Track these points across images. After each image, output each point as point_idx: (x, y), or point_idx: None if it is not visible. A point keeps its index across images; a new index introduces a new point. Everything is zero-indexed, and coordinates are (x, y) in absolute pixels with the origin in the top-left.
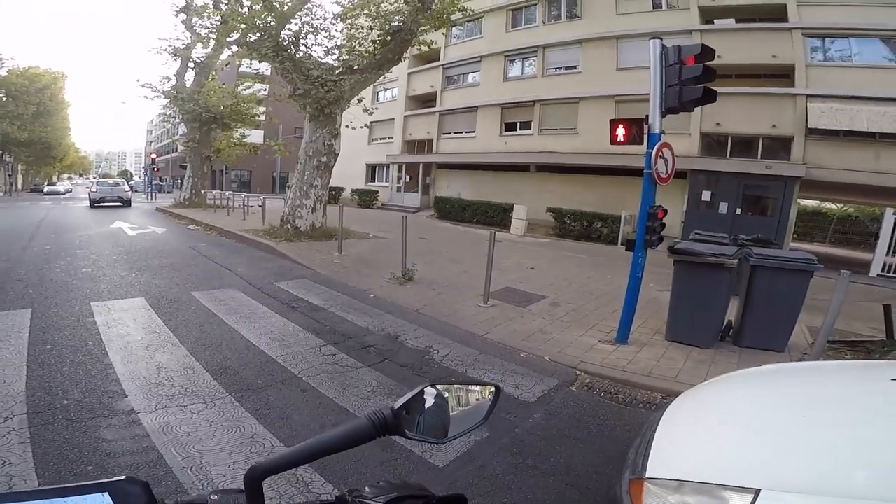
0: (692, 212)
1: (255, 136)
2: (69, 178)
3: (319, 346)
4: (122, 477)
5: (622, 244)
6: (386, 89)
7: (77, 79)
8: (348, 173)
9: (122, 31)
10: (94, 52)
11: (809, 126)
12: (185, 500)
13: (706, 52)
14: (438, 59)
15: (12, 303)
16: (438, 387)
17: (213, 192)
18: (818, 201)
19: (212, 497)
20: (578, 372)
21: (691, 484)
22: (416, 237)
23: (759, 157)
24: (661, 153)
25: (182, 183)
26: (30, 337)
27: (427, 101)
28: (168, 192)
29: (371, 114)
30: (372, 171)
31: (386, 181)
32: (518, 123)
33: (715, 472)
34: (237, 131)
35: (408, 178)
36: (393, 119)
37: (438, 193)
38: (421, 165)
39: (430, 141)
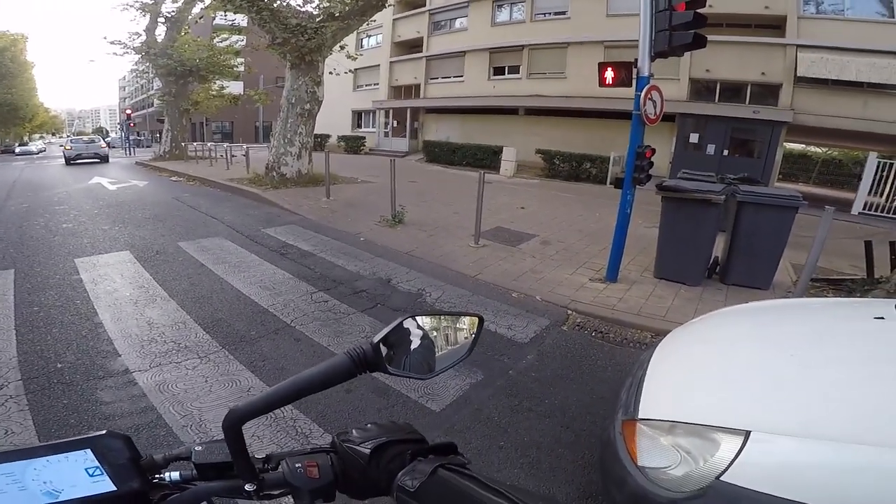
0: (680, 153)
1: (235, 87)
2: (41, 137)
3: (311, 293)
4: (103, 432)
5: (611, 183)
6: (370, 36)
7: (41, 39)
8: (334, 120)
9: None
10: (57, 11)
11: (798, 74)
12: (174, 454)
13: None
14: (424, 5)
15: None
16: (419, 318)
17: (194, 144)
18: (804, 145)
19: (196, 448)
20: (569, 311)
21: (683, 425)
22: (405, 181)
23: (747, 102)
24: (649, 95)
25: (161, 137)
26: (15, 299)
27: (413, 46)
28: (147, 147)
29: (355, 60)
30: (358, 117)
31: (373, 127)
32: (506, 68)
33: (706, 413)
34: (215, 83)
35: (395, 123)
36: (378, 65)
37: (427, 138)
38: (408, 111)
39: (418, 86)
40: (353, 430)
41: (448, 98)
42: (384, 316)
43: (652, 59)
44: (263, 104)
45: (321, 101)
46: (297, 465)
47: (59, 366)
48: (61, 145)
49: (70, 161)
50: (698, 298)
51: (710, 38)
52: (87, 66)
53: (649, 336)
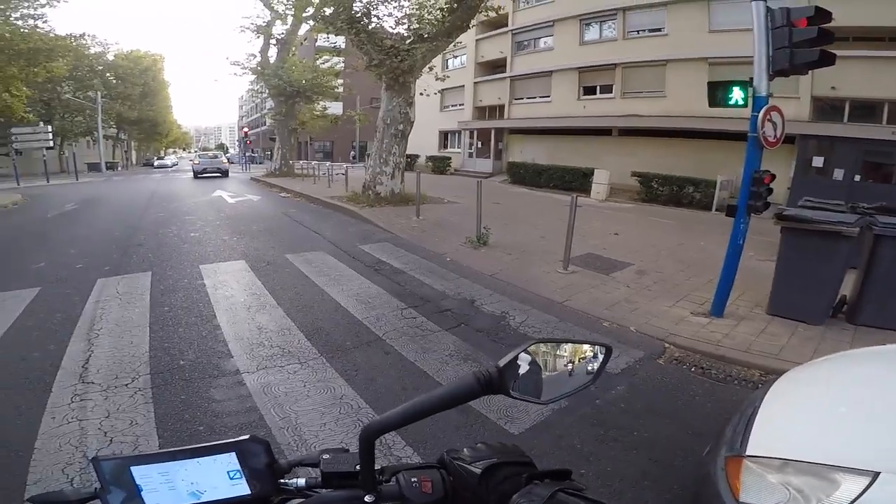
0: (800, 178)
1: (335, 108)
2: (174, 152)
3: (401, 308)
4: (247, 437)
5: (718, 210)
6: (455, 56)
7: (172, 60)
8: (422, 141)
9: (212, 11)
10: (186, 33)
11: None
12: (298, 460)
13: (821, 15)
14: (507, 25)
15: (135, 266)
16: (544, 346)
17: (300, 161)
18: None
19: (324, 457)
20: (667, 344)
21: (797, 464)
22: (489, 202)
23: (884, 122)
24: (768, 116)
25: (272, 154)
26: (151, 299)
27: (497, 66)
28: (260, 163)
29: (443, 81)
30: (445, 137)
31: (458, 147)
32: (598, 87)
33: (825, 452)
34: (319, 104)
35: (479, 143)
36: (463, 86)
37: (511, 159)
38: (493, 131)
39: (502, 107)
40: (465, 449)
41: (533, 118)
42: (467, 336)
43: (771, 78)
44: (362, 124)
45: (413, 122)
46: (412, 480)
47: (181, 363)
48: (190, 160)
49: (197, 175)
50: (819, 338)
51: (837, 53)
52: (211, 86)
53: (758, 375)
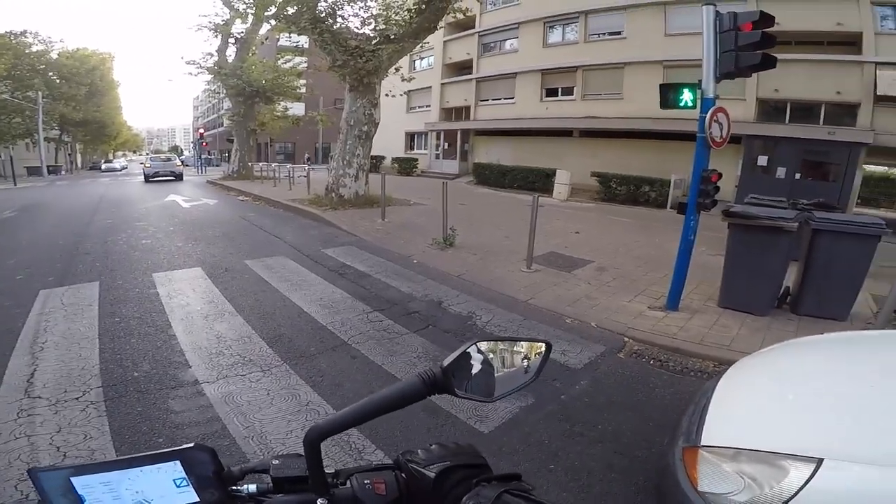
0: (747, 176)
1: (297, 109)
2: (124, 155)
3: (367, 312)
4: (191, 444)
5: (672, 208)
6: (422, 58)
7: (123, 59)
8: (388, 142)
9: (164, 9)
10: (137, 32)
11: (879, 93)
12: (250, 467)
13: (765, 19)
14: (474, 27)
15: (82, 276)
16: (486, 344)
17: (260, 164)
18: (886, 167)
19: (273, 462)
20: (626, 339)
21: (749, 452)
22: (455, 203)
23: (821, 122)
24: (715, 117)
25: (230, 156)
26: (99, 310)
27: (464, 68)
28: (216, 166)
29: (409, 82)
30: (411, 139)
31: (425, 149)
32: (560, 89)
33: (774, 440)
34: (279, 104)
35: (446, 145)
36: (430, 87)
37: (477, 160)
38: (459, 132)
39: (468, 108)
40: (419, 451)
41: (498, 120)
42: (435, 337)
43: (717, 80)
44: (325, 126)
45: (378, 124)
46: (365, 482)
47: (135, 374)
48: (141, 163)
49: (149, 178)
50: (766, 328)
51: (779, 56)
52: (165, 86)
53: (712, 366)
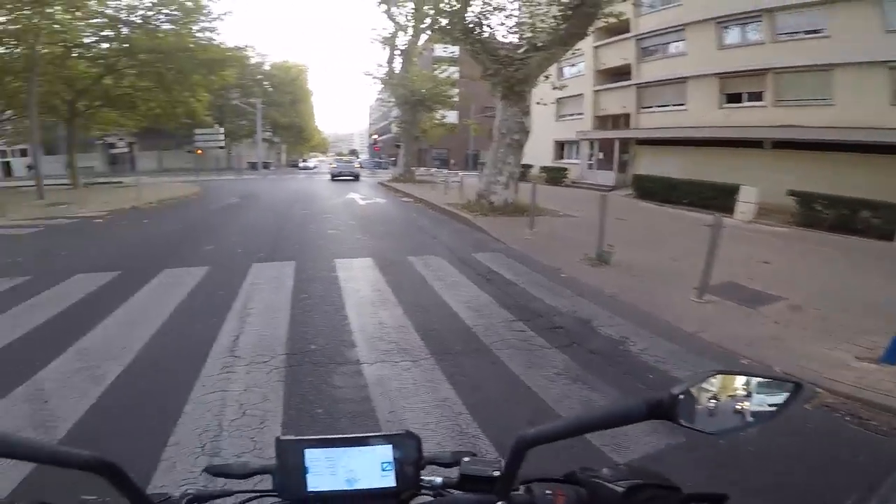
0: None
1: (452, 117)
2: (314, 156)
3: (510, 320)
4: (404, 431)
5: None
6: (573, 65)
7: (313, 70)
8: (536, 150)
9: (345, 24)
10: (323, 46)
11: None
12: (434, 457)
13: None
14: (629, 31)
15: (283, 255)
16: (726, 377)
17: (420, 168)
18: None
19: (465, 459)
20: (819, 389)
21: None
22: (612, 217)
23: None
24: None
25: (396, 160)
26: (293, 286)
27: (619, 74)
28: (385, 168)
29: (561, 90)
30: (560, 147)
31: (575, 158)
32: (744, 94)
33: None
34: (437, 112)
35: (601, 154)
36: (581, 94)
37: (638, 171)
38: (616, 142)
39: (627, 115)
40: (603, 469)
41: (665, 128)
42: (579, 356)
43: None
44: (476, 133)
45: (529, 132)
46: (547, 492)
47: (312, 347)
48: (328, 163)
49: (334, 177)
50: None
51: None
52: (345, 95)
53: None
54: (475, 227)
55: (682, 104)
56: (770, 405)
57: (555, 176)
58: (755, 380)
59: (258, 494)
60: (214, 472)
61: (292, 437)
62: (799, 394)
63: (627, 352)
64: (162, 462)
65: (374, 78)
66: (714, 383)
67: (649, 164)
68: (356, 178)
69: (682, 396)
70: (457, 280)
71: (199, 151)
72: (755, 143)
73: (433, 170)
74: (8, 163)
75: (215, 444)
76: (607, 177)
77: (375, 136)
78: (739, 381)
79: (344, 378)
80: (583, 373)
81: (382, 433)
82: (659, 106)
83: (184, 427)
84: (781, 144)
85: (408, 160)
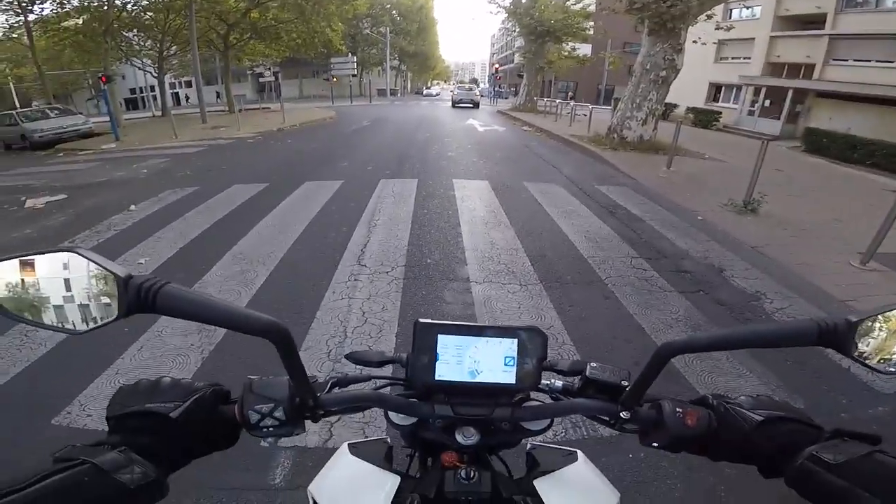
0: None
1: (584, 49)
2: (437, 84)
3: (631, 257)
4: (532, 325)
5: None
6: (747, 7)
7: None
8: (683, 90)
9: None
10: None
11: None
12: (554, 363)
13: None
14: None
15: (407, 173)
16: None
17: (544, 99)
18: None
19: (591, 364)
20: None
21: None
22: (770, 167)
23: None
24: None
25: (517, 90)
26: (415, 202)
27: (808, 22)
28: (505, 98)
29: (728, 31)
30: (716, 90)
31: (734, 103)
32: None
33: None
34: (567, 44)
35: (768, 102)
36: (752, 38)
37: (813, 125)
38: (790, 91)
39: (810, 66)
40: (741, 397)
41: (860, 84)
42: (704, 305)
43: None
44: (615, 68)
45: (678, 70)
46: (677, 410)
47: (428, 261)
48: (450, 90)
49: (455, 104)
50: None
51: None
52: (468, 24)
53: None
54: (602, 161)
55: (890, 61)
56: None
57: (704, 118)
58: None
59: (392, 381)
60: (354, 359)
61: (429, 321)
62: None
63: (761, 308)
64: None
65: (499, 7)
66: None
67: (827, 119)
68: (476, 105)
69: (860, 326)
70: (575, 210)
71: (335, 79)
72: None
73: (557, 101)
74: (177, 93)
75: (340, 349)
76: (772, 126)
77: (496, 66)
78: None
79: (454, 294)
80: (705, 323)
81: (511, 325)
82: (857, 60)
83: (315, 332)
84: None
85: (530, 90)
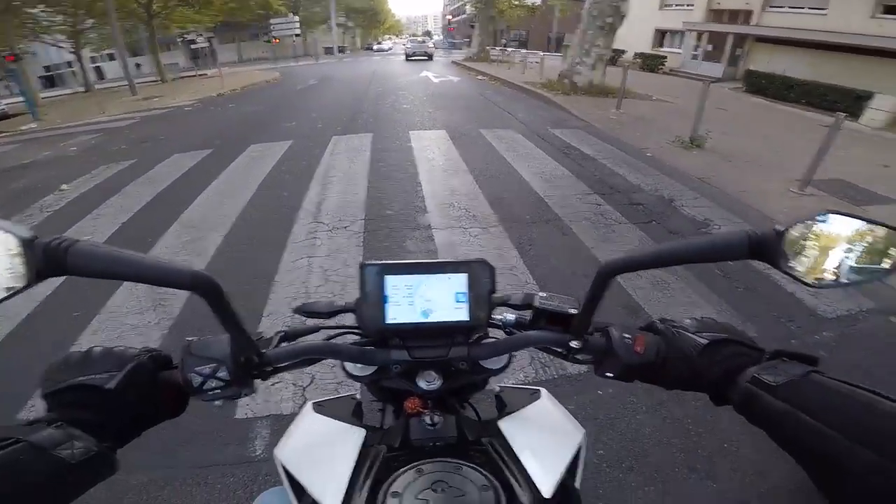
0: None
1: None
2: (389, 38)
3: (586, 193)
4: (480, 258)
5: None
6: None
7: None
8: (630, 36)
9: None
10: None
11: None
12: (507, 298)
13: None
14: None
15: (360, 128)
16: (839, 220)
17: (496, 49)
18: None
19: (541, 294)
20: None
21: None
22: (713, 107)
23: None
24: None
25: (471, 41)
26: (371, 155)
27: None
28: (459, 49)
29: None
30: (661, 36)
31: (678, 48)
32: None
33: None
34: None
35: (710, 47)
36: None
37: (752, 67)
38: (730, 36)
39: (748, 12)
40: (686, 320)
41: (795, 30)
42: (657, 234)
43: None
44: (564, 15)
45: (624, 17)
46: (625, 336)
47: (388, 212)
48: (402, 45)
49: (408, 57)
50: None
51: None
52: None
53: None
54: (554, 105)
55: (822, 8)
56: (888, 259)
57: (651, 63)
58: (875, 227)
59: (343, 330)
60: (303, 311)
61: (375, 262)
62: None
63: (710, 235)
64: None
65: None
66: (824, 227)
67: (766, 62)
68: (430, 57)
69: (787, 235)
70: (531, 153)
71: (276, 40)
72: None
73: (510, 50)
74: (99, 67)
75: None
76: (714, 69)
77: (449, 17)
78: (853, 226)
79: (416, 243)
80: None
81: (459, 260)
82: (792, 7)
83: (276, 297)
84: None
85: (483, 40)
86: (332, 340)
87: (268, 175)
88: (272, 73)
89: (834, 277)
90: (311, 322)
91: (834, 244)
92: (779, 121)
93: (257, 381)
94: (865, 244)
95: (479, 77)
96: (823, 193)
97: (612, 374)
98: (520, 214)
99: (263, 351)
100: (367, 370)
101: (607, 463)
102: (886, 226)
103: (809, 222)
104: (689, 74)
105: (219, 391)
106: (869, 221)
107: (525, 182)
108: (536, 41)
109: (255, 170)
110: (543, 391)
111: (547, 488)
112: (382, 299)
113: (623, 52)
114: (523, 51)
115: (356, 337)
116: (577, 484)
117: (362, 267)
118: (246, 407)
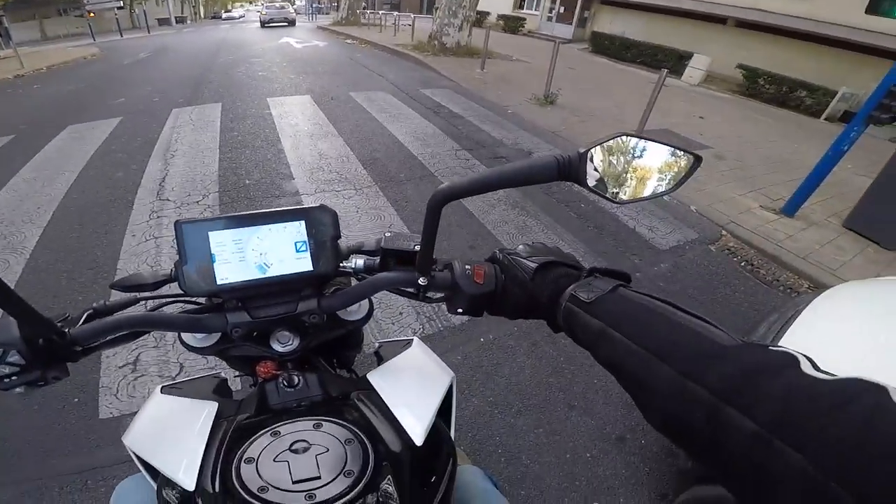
0: None
1: None
2: (241, 5)
3: (455, 149)
4: (317, 205)
5: (827, 119)
6: None
7: None
8: None
9: None
10: None
11: None
12: (359, 246)
13: None
14: None
15: (207, 99)
16: (633, 141)
17: (367, 12)
18: None
19: (385, 233)
20: (724, 232)
21: None
22: (564, 66)
23: None
24: None
25: (339, 4)
26: (221, 125)
27: None
28: (326, 14)
29: None
30: None
31: (535, 10)
32: None
33: (845, 370)
34: None
35: (562, 9)
36: None
37: (598, 29)
38: None
39: None
40: (520, 246)
41: None
42: None
43: None
44: None
45: None
46: (466, 268)
47: (247, 182)
48: (258, 11)
49: (264, 24)
50: (888, 263)
51: None
52: None
53: (806, 285)
54: (424, 66)
55: None
56: (673, 175)
57: (512, 25)
58: (660, 147)
59: (170, 300)
60: (122, 286)
61: (192, 219)
62: (699, 165)
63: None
64: None
65: None
66: (621, 147)
67: (608, 24)
68: (291, 23)
69: (589, 156)
70: (402, 112)
71: (91, 14)
72: (720, 20)
73: (381, 13)
74: None
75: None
76: (565, 30)
77: None
78: (644, 146)
79: None
80: (521, 199)
81: (293, 207)
82: None
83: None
84: (745, 24)
85: (352, 3)
86: (159, 311)
87: (94, 155)
88: (89, 49)
89: (631, 194)
90: (129, 296)
91: (628, 163)
92: (619, 79)
93: (71, 365)
94: (657, 164)
95: (349, 41)
96: None
97: (461, 310)
98: (394, 173)
99: (66, 330)
100: (209, 340)
101: (499, 409)
102: (671, 145)
103: (607, 144)
104: (545, 36)
105: (16, 377)
106: (656, 142)
107: (398, 141)
108: (411, 3)
109: (77, 152)
110: (416, 339)
111: (417, 435)
112: (210, 259)
113: (487, 13)
114: (395, 13)
115: (191, 306)
116: (452, 428)
117: (178, 226)
118: (110, 406)
